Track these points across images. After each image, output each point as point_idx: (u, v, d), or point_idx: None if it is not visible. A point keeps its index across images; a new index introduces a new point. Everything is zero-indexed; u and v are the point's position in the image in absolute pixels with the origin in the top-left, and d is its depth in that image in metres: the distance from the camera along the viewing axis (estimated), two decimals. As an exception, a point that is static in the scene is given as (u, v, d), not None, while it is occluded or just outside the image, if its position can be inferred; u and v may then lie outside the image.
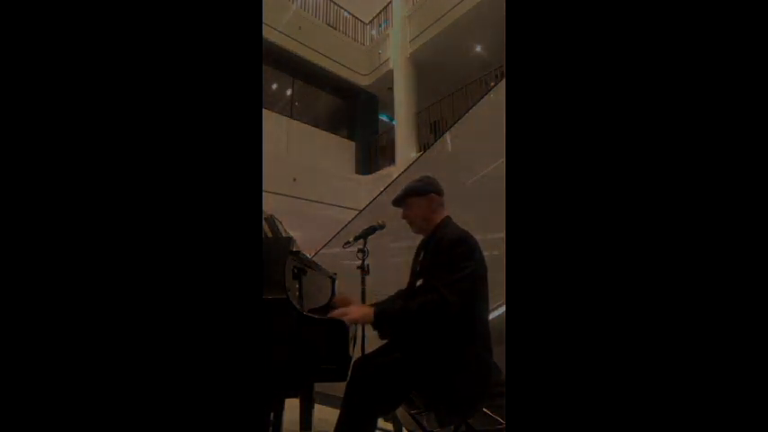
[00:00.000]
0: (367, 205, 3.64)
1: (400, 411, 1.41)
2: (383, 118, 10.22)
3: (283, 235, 1.71)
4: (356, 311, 1.31)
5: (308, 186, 7.59)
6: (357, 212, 3.94)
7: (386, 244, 2.82)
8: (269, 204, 1.63)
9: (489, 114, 2.89)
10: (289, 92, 9.09)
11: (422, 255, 1.48)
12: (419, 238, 1.55)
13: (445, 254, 1.30)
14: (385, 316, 1.29)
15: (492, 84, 5.28)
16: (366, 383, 1.22)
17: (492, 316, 1.46)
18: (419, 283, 1.41)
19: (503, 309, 1.98)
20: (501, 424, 1.28)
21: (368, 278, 1.88)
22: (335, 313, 1.30)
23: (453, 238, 1.34)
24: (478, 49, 8.26)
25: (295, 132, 8.13)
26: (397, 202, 1.53)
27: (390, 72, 8.78)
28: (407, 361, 1.25)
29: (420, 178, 1.53)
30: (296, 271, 1.45)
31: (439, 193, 1.50)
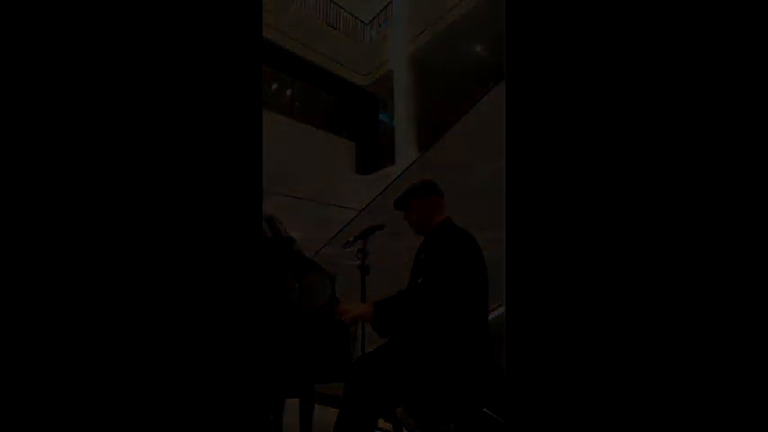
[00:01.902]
0: (367, 205, 3.64)
1: (400, 411, 1.41)
2: (383, 118, 10.22)
3: (283, 235, 1.71)
4: (358, 308, 1.36)
5: (309, 186, 7.58)
6: (357, 212, 3.94)
7: (386, 244, 2.81)
8: (269, 204, 1.64)
9: (489, 114, 2.90)
10: (289, 92, 9.08)
11: (422, 256, 1.49)
12: (419, 239, 1.56)
13: (445, 252, 1.31)
14: (384, 311, 1.30)
15: (492, 84, 5.28)
16: (366, 383, 1.22)
17: (492, 316, 1.46)
18: (419, 281, 1.41)
19: (503, 309, 1.99)
20: (501, 424, 1.28)
21: (368, 278, 1.88)
22: (340, 308, 1.36)
23: (453, 237, 1.35)
24: (478, 49, 8.26)
25: (295, 132, 8.12)
26: (399, 203, 1.54)
27: (390, 72, 8.77)
28: (407, 361, 1.25)
29: (421, 181, 1.55)
30: (296, 271, 1.45)
31: (440, 195, 1.52)
